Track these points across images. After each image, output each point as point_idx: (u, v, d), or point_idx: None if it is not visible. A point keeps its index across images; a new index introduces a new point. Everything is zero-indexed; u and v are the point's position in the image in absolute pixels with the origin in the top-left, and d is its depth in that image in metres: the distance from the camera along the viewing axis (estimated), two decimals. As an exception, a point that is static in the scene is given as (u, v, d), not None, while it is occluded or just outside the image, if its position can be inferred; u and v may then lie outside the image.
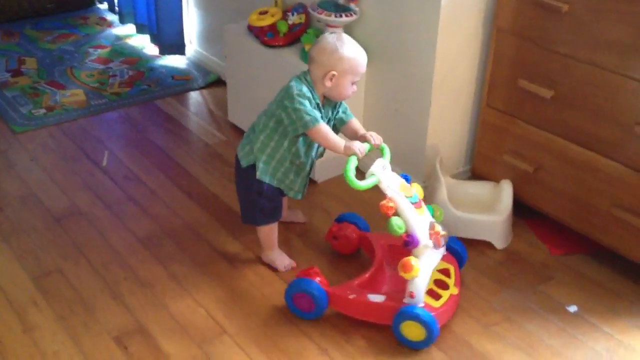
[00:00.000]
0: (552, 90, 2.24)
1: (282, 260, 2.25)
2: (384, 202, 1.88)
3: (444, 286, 2.03)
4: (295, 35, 2.67)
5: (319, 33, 2.60)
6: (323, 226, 2.41)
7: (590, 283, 2.23)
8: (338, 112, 2.13)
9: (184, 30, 3.62)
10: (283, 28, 2.65)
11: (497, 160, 2.48)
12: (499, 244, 2.35)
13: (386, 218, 1.89)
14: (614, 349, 1.98)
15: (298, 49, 2.65)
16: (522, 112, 2.35)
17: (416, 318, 1.89)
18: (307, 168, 2.15)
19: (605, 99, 2.11)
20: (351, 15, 2.51)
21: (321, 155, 2.18)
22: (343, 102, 2.14)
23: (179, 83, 3.43)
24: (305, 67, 2.53)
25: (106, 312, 2.06)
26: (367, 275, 2.06)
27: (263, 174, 2.10)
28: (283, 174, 2.11)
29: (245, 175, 2.15)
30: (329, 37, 2.03)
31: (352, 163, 1.91)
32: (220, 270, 2.25)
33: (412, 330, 1.91)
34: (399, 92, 2.54)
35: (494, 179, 2.47)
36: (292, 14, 2.69)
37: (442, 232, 1.94)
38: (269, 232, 2.23)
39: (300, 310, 2.02)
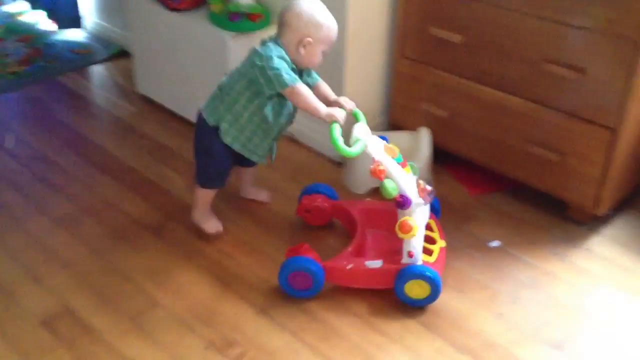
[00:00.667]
0: (461, 35, 2.28)
1: (211, 223, 2.21)
2: (373, 166, 1.85)
3: (432, 240, 2.02)
4: (201, -4, 2.61)
5: (225, -8, 2.54)
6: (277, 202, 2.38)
7: (509, 218, 2.31)
8: (305, 75, 2.07)
9: (78, 3, 3.47)
10: (188, -10, 2.58)
11: (414, 108, 2.52)
12: (422, 190, 2.40)
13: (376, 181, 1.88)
14: (537, 277, 2.07)
15: (206, 12, 2.59)
16: (435, 59, 2.39)
17: (420, 276, 1.87)
18: (275, 133, 2.07)
19: (511, 39, 2.17)
20: (257, -27, 2.47)
21: (291, 122, 2.10)
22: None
23: (80, 57, 3.29)
24: (214, 29, 2.51)
25: (29, 297, 1.97)
26: (355, 243, 2.02)
27: (226, 135, 2.02)
28: (247, 137, 2.03)
29: (201, 134, 2.09)
30: (304, 3, 1.96)
31: (337, 130, 1.87)
32: (146, 242, 2.19)
33: (416, 289, 1.89)
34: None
35: (412, 127, 2.51)
36: (195, -24, 2.62)
37: (428, 188, 1.93)
38: (205, 195, 2.18)
39: (297, 289, 1.95)
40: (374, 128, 2.59)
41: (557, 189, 2.26)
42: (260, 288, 2.01)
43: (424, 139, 2.42)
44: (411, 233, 1.85)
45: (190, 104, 2.74)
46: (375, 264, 1.94)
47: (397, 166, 1.87)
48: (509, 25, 2.15)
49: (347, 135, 1.89)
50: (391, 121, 2.65)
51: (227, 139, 2.03)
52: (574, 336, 1.87)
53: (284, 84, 1.89)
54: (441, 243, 2.01)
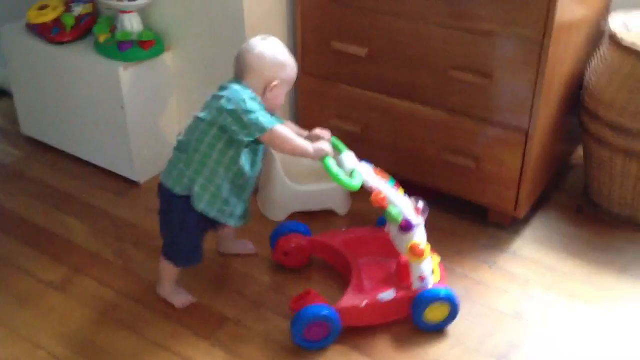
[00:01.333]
0: (365, 47, 2.22)
1: (180, 297, 1.96)
2: (374, 195, 1.77)
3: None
4: (84, 27, 2.41)
5: (112, 21, 2.37)
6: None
7: (433, 229, 2.24)
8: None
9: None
10: (69, 21, 2.38)
11: (324, 126, 2.40)
12: (342, 210, 2.32)
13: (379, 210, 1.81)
14: (471, 287, 2.03)
15: (91, 43, 2.40)
16: (340, 74, 2.32)
17: (440, 299, 1.81)
18: (251, 187, 1.88)
19: (417, 48, 2.13)
20: (146, -3, 2.31)
21: (260, 170, 1.91)
22: None
23: (-48, 101, 3.00)
24: (103, 60, 2.33)
25: None
26: (355, 278, 1.89)
27: (199, 201, 1.78)
28: (224, 199, 1.80)
29: (168, 208, 1.85)
30: (263, 43, 1.81)
31: (333, 164, 1.76)
32: (51, 301, 1.99)
33: (434, 313, 1.83)
34: (210, 76, 2.38)
35: (323, 146, 2.42)
36: (77, 5, 2.43)
37: (421, 205, 1.86)
38: (173, 269, 1.93)
39: (314, 341, 1.79)
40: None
41: (477, 195, 2.24)
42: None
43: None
44: (424, 257, 1.79)
45: (81, 141, 2.56)
46: (388, 295, 1.83)
47: (394, 190, 1.82)
48: (414, 35, 2.12)
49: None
50: (301, 141, 2.56)
51: (201, 206, 1.78)
52: (517, 346, 1.84)
53: (263, 128, 1.72)
54: (437, 258, 1.93)
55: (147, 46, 2.34)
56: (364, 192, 1.82)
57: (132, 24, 2.35)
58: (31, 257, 2.15)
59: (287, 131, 1.78)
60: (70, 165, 2.59)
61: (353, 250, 1.99)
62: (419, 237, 1.83)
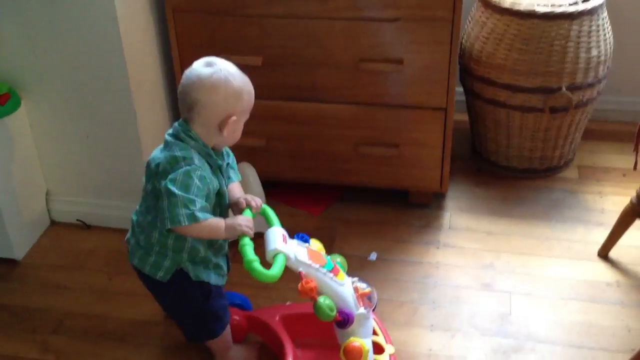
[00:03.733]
0: (259, 56, 2.08)
1: (248, 352, 1.74)
2: (302, 284, 1.45)
3: (379, 349, 1.62)
4: None
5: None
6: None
7: (364, 224, 2.22)
8: (227, 162, 1.60)
9: None
10: None
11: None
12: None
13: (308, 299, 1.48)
14: (431, 272, 2.03)
15: None
16: (237, 88, 2.15)
17: None
18: (226, 244, 1.63)
19: (319, 47, 2.04)
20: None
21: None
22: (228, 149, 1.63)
23: None
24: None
25: None
26: None
27: (199, 274, 1.55)
28: (215, 265, 1.58)
29: (173, 288, 1.56)
30: (211, 71, 1.46)
31: (249, 247, 1.43)
32: None
33: None
34: (87, 115, 2.08)
35: (227, 167, 2.24)
36: None
37: (366, 289, 1.59)
38: (226, 335, 1.67)
39: None
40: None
41: (399, 181, 2.23)
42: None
43: (249, 174, 2.16)
44: (363, 358, 1.49)
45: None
46: None
47: (330, 276, 1.50)
48: (314, 34, 2.03)
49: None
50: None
51: (203, 276, 1.56)
52: (505, 315, 1.87)
53: (174, 222, 1.43)
54: (389, 349, 1.64)
55: (2, 101, 1.97)
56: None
57: (-26, 77, 1.96)
58: None
59: (205, 224, 1.45)
60: None
61: (294, 330, 1.70)
62: (361, 332, 1.54)
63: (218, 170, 1.53)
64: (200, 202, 1.44)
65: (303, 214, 2.28)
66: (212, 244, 1.56)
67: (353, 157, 2.19)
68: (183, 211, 1.41)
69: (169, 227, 1.43)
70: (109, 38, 1.92)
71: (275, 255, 1.44)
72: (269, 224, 1.55)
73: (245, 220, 1.50)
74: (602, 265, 2.03)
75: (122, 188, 2.17)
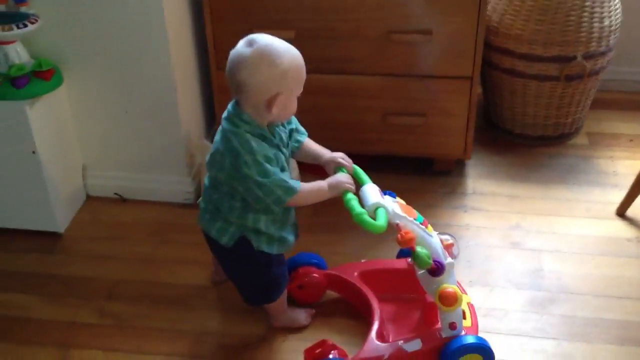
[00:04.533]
0: (292, 30, 2.15)
1: (300, 315, 1.82)
2: (401, 234, 1.51)
3: None
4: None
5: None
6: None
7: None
8: (291, 127, 1.66)
9: None
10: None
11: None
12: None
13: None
14: (462, 233, 2.13)
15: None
16: (270, 62, 2.22)
17: (472, 349, 1.61)
18: (293, 210, 1.70)
19: (349, 21, 2.12)
20: (35, 21, 1.97)
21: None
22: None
23: None
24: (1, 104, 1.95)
25: None
26: (376, 323, 1.68)
27: (261, 244, 1.62)
28: (279, 237, 1.64)
29: (236, 253, 1.62)
30: (253, 51, 1.47)
31: (355, 202, 1.51)
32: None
33: None
34: (127, 91, 2.13)
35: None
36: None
37: (450, 241, 1.69)
38: (282, 299, 1.76)
39: None
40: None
41: (424, 149, 2.33)
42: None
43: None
44: (457, 304, 1.58)
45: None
46: (414, 345, 1.63)
47: (422, 227, 1.59)
48: (345, 7, 2.10)
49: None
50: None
51: (265, 248, 1.63)
52: (537, 271, 1.99)
53: (280, 202, 1.53)
54: (467, 298, 1.75)
55: (48, 76, 2.02)
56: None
57: (19, 55, 2.01)
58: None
59: (304, 189, 1.56)
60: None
61: (373, 285, 1.80)
62: (450, 279, 1.63)
63: (276, 147, 1.57)
64: (285, 175, 1.52)
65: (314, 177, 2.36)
66: (275, 219, 1.62)
67: (381, 127, 2.28)
68: (279, 192, 1.51)
69: (277, 209, 1.53)
70: (152, 14, 1.98)
71: (376, 209, 1.51)
72: (361, 182, 1.62)
73: (345, 177, 1.59)
74: (621, 223, 2.16)
75: (160, 162, 2.24)
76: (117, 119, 2.19)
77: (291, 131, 1.67)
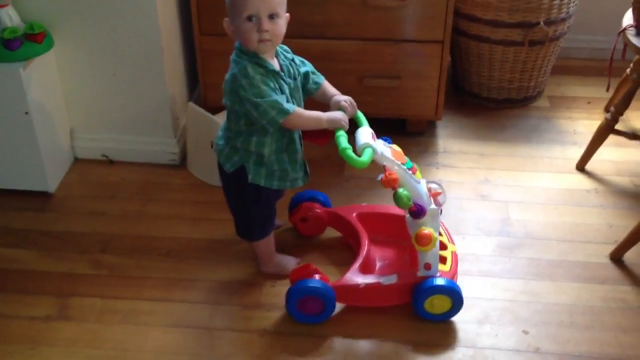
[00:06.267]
0: (273, -5, 2.25)
1: (289, 261, 1.95)
2: (385, 175, 1.65)
3: (442, 246, 1.85)
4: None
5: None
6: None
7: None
8: (306, 70, 1.79)
9: None
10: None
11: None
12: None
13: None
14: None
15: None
16: (253, 26, 2.32)
17: (441, 290, 1.74)
18: (298, 145, 1.78)
19: (328, -15, 2.24)
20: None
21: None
22: (300, 58, 1.82)
23: None
24: None
25: None
26: (361, 256, 1.84)
27: (257, 177, 1.73)
28: (280, 170, 1.76)
29: (234, 181, 1.74)
30: None
31: (344, 138, 1.66)
32: (64, 333, 1.78)
33: (436, 304, 1.76)
34: (115, 54, 2.21)
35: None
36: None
37: (438, 190, 1.78)
38: (268, 243, 1.90)
39: (308, 314, 1.77)
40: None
41: (398, 110, 2.46)
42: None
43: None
44: (430, 245, 1.71)
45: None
46: (390, 279, 1.78)
47: (408, 172, 1.71)
48: (324, -25, 2.22)
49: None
50: (205, 104, 2.50)
51: (261, 181, 1.75)
52: (504, 220, 2.15)
53: (274, 122, 1.63)
54: (452, 247, 1.89)
55: (39, 39, 2.09)
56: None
57: (11, 18, 2.07)
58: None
59: (300, 112, 1.67)
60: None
61: (368, 227, 1.94)
62: (432, 224, 1.73)
63: (276, 75, 1.67)
64: (281, 98, 1.64)
65: (312, 146, 2.48)
66: (281, 149, 1.74)
67: (359, 89, 2.40)
68: (273, 112, 1.62)
69: (272, 129, 1.65)
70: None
71: (364, 148, 1.66)
72: (359, 124, 1.77)
73: (343, 115, 1.73)
74: (580, 177, 2.33)
75: (147, 123, 2.32)
76: (105, 82, 2.26)
77: (306, 73, 1.80)
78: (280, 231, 2.09)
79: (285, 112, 1.63)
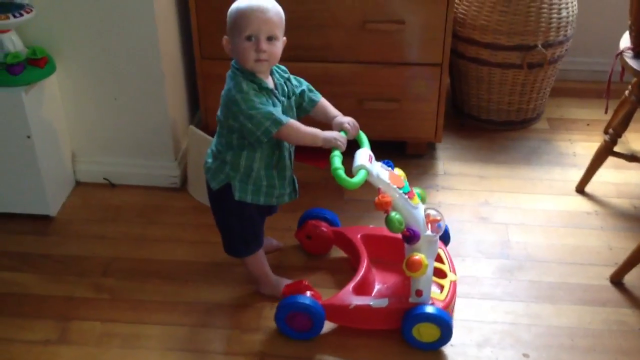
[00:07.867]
0: (273, 20, 2.27)
1: (280, 286, 1.91)
2: (379, 198, 1.64)
3: (442, 274, 1.85)
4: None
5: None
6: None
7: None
8: (302, 89, 1.81)
9: None
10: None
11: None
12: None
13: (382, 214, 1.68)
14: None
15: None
16: (252, 50, 2.34)
17: (429, 318, 1.72)
18: (288, 162, 1.79)
19: (328, 11, 2.26)
20: (30, 10, 2.06)
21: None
22: (297, 77, 1.85)
23: None
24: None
25: None
26: (357, 278, 1.83)
27: (243, 194, 1.73)
28: (268, 186, 1.76)
29: (219, 198, 1.75)
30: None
31: (338, 158, 1.66)
32: (63, 356, 1.78)
33: (425, 332, 1.74)
34: (116, 78, 2.23)
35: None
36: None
37: (437, 217, 1.76)
38: (258, 260, 1.90)
39: (296, 330, 1.79)
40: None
41: (398, 133, 2.48)
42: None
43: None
44: (420, 271, 1.68)
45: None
46: (381, 303, 1.77)
47: (404, 197, 1.69)
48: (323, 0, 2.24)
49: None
50: (206, 127, 2.52)
51: (248, 198, 1.76)
52: (505, 242, 2.15)
53: (268, 132, 1.64)
54: (452, 277, 1.86)
55: (42, 64, 2.11)
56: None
57: (14, 43, 2.10)
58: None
59: (296, 124, 1.70)
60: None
61: (373, 249, 1.95)
62: (427, 251, 1.72)
63: (270, 92, 1.70)
64: (275, 110, 1.65)
65: (310, 169, 2.49)
66: (271, 166, 1.75)
67: (358, 112, 2.39)
68: (267, 123, 1.64)
69: (266, 140, 1.65)
70: (141, 3, 2.08)
71: (359, 170, 1.66)
72: (360, 146, 1.78)
73: (341, 137, 1.73)
74: (580, 199, 2.34)
75: (148, 147, 2.34)
76: (106, 106, 2.28)
77: (302, 92, 1.82)
78: (288, 249, 2.10)
79: (279, 123, 1.65)
